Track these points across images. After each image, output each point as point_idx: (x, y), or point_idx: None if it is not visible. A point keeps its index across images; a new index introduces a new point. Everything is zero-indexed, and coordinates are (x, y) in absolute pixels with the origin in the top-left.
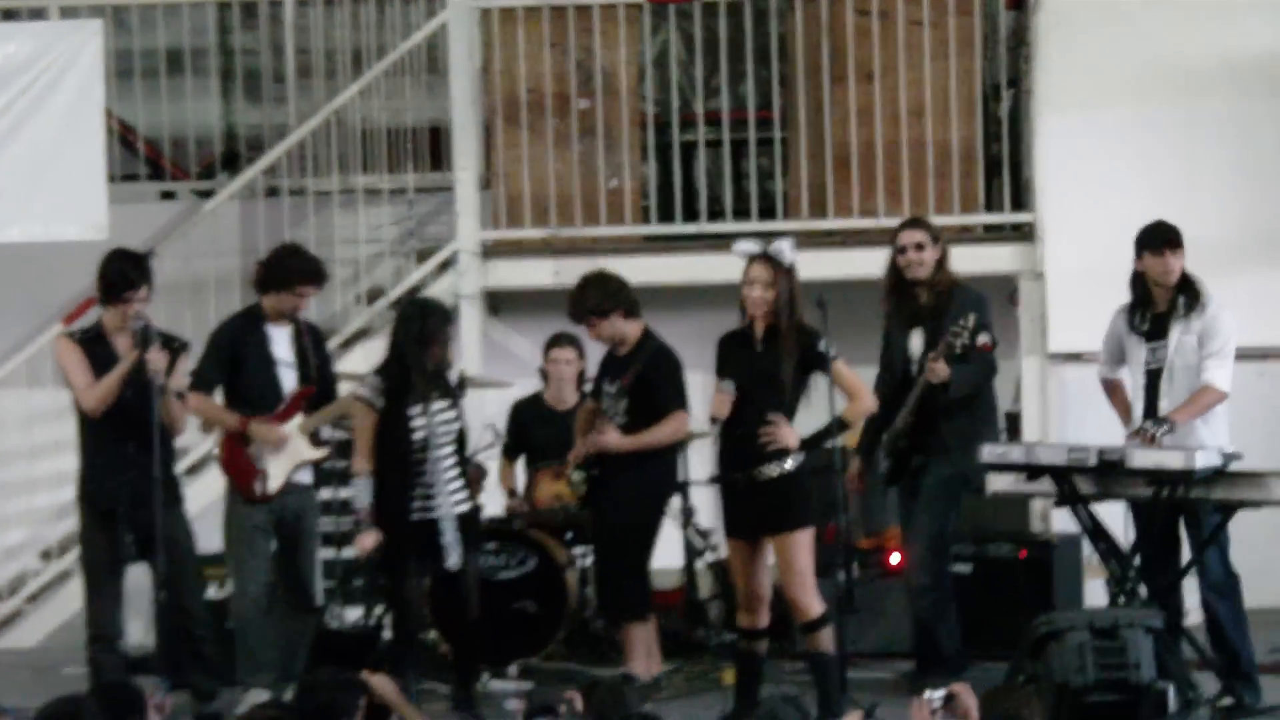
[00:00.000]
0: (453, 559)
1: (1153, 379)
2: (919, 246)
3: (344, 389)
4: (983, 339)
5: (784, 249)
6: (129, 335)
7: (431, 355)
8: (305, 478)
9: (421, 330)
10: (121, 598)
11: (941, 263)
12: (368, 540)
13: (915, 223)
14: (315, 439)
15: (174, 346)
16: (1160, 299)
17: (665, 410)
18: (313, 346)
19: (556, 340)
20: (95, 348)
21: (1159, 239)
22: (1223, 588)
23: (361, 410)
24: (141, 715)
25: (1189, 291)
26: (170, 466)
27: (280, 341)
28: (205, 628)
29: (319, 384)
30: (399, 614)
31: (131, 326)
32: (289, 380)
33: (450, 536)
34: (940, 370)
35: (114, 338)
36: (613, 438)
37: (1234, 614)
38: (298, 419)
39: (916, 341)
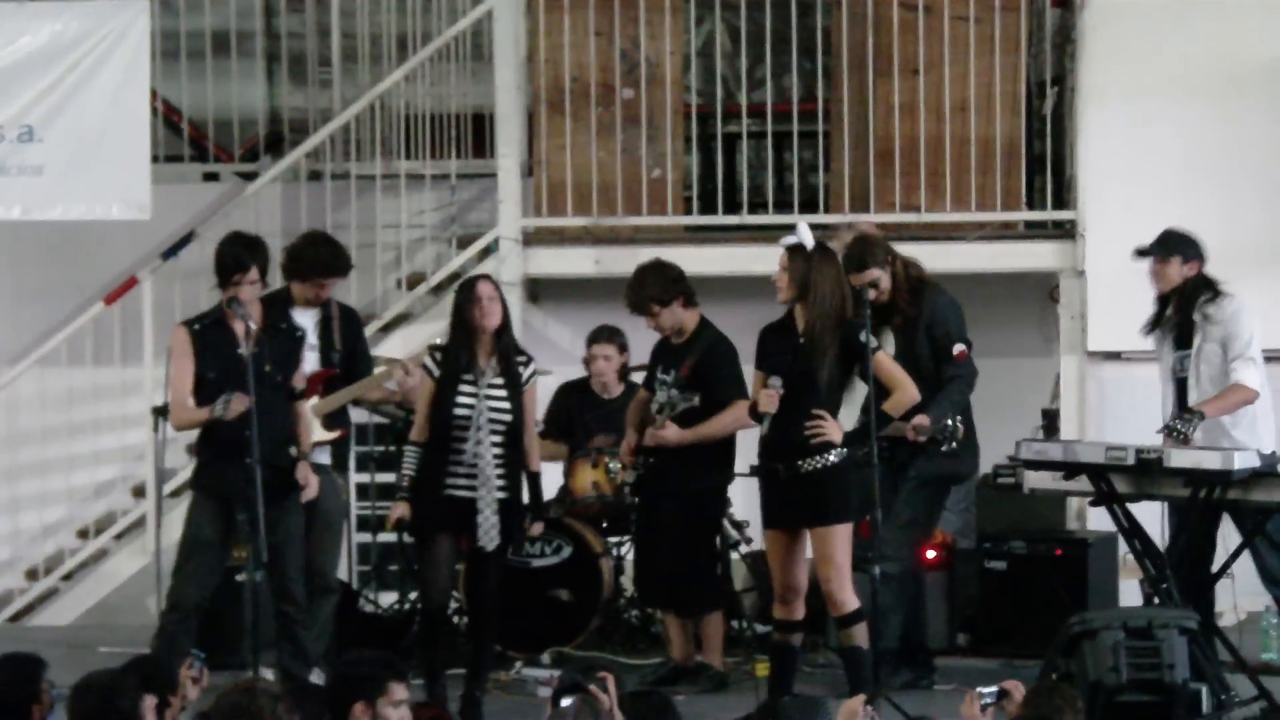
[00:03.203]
0: (484, 539)
1: (1181, 387)
2: (874, 284)
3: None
4: (958, 348)
5: (798, 234)
6: (247, 321)
7: (472, 327)
8: (322, 458)
9: (458, 302)
10: (212, 578)
11: (901, 271)
12: (394, 512)
13: (861, 259)
14: (332, 420)
15: (298, 336)
16: (1180, 306)
17: (725, 400)
18: (343, 329)
19: (597, 336)
20: (214, 334)
21: (1147, 246)
22: None
23: (422, 377)
24: (172, 687)
25: (1202, 299)
26: (286, 456)
27: (305, 325)
28: (302, 613)
29: (350, 366)
30: (421, 589)
31: (238, 314)
32: (310, 363)
33: (488, 515)
34: (921, 432)
35: (234, 322)
36: (672, 432)
37: None
38: (314, 400)
39: (890, 343)
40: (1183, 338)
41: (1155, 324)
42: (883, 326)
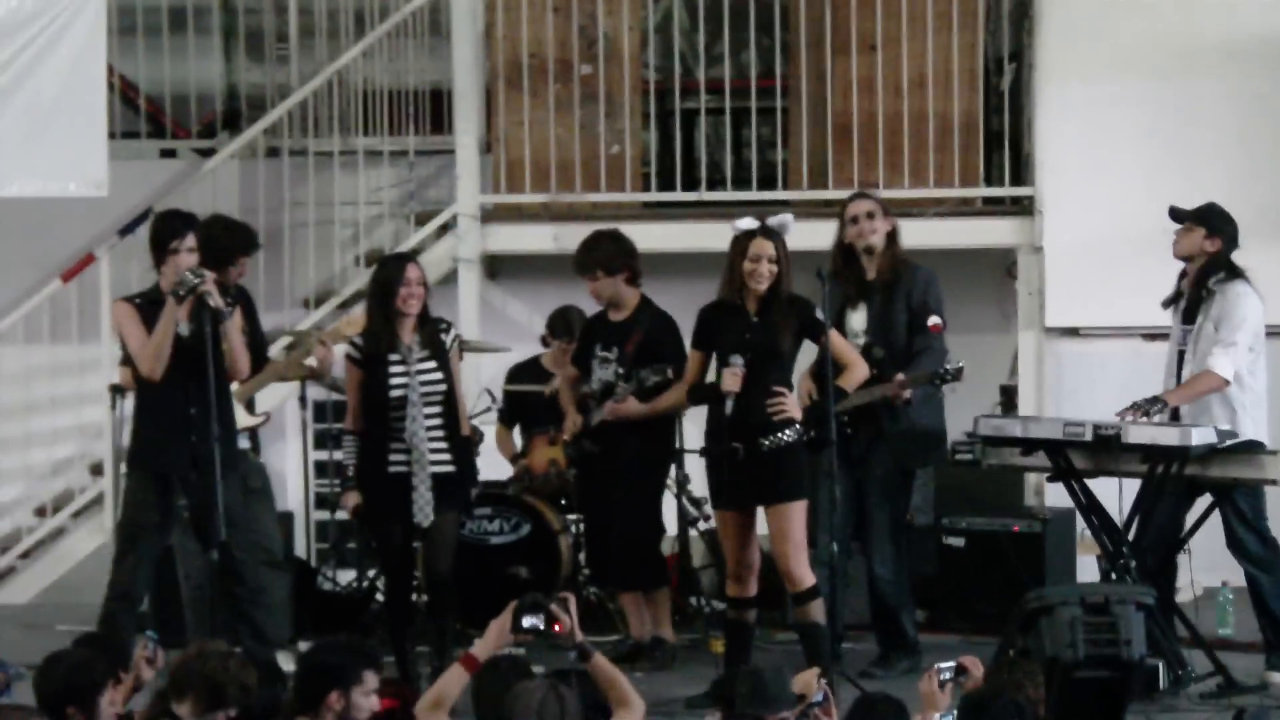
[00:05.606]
0: (420, 516)
1: (1180, 359)
2: (870, 215)
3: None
4: (932, 320)
5: (787, 223)
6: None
7: (394, 311)
8: (242, 443)
9: (382, 281)
10: (153, 562)
11: (892, 236)
12: (347, 500)
13: (864, 194)
14: (251, 406)
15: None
16: (1194, 280)
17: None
18: (245, 312)
19: (558, 332)
20: (153, 313)
21: (1182, 210)
22: (1262, 561)
23: (347, 367)
24: (126, 666)
25: (1209, 276)
26: (231, 431)
27: None
28: (255, 593)
29: (250, 352)
30: (383, 571)
31: (180, 281)
32: None
33: (422, 492)
34: (909, 385)
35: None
36: (633, 404)
37: (1276, 585)
38: (233, 386)
39: (859, 318)
40: (1190, 312)
41: (1176, 298)
42: (858, 301)
